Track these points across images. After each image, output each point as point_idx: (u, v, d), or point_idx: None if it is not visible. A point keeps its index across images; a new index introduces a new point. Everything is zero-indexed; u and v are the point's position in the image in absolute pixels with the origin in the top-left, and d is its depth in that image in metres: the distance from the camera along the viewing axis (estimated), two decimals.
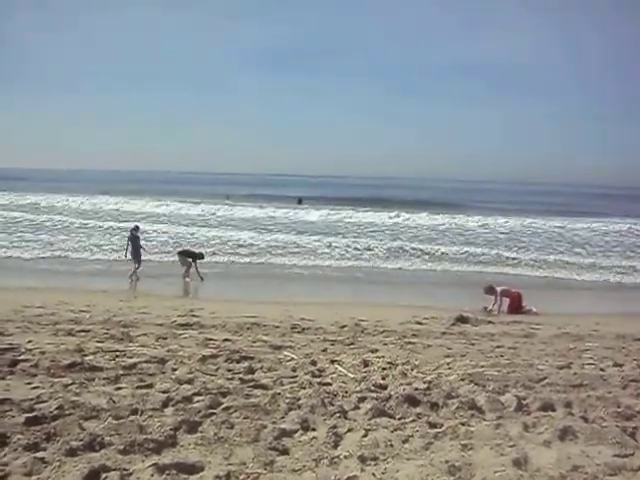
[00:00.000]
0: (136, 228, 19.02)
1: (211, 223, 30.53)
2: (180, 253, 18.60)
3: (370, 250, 23.72)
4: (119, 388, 5.73)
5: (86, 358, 6.73)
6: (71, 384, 5.72)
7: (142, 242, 18.85)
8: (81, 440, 4.27)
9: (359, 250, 23.66)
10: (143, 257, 18.36)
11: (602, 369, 7.52)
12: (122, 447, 4.22)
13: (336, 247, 23.79)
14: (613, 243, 27.08)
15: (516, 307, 14.12)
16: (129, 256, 18.03)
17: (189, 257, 18.09)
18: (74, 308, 10.95)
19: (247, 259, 21.58)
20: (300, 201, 47.69)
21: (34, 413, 4.78)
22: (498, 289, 14.46)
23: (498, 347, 9.00)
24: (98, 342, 7.83)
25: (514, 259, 22.96)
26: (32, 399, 5.18)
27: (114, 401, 5.22)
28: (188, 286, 17.08)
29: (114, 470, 3.86)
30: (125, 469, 3.90)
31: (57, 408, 4.90)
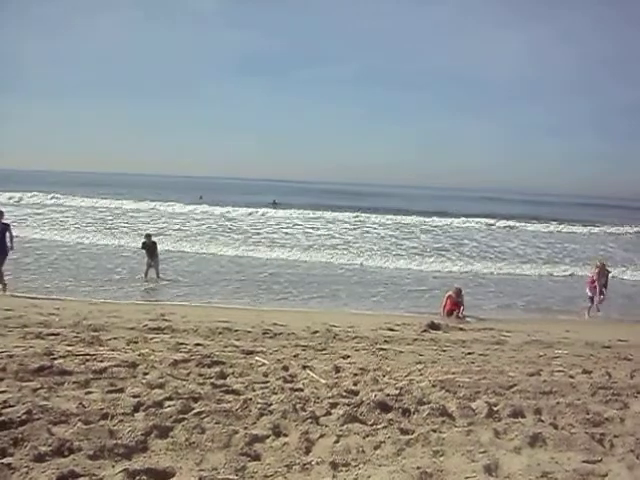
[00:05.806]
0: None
1: None
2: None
3: None
4: (89, 392, 5.62)
5: (55, 362, 6.61)
6: (40, 388, 5.59)
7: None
8: (49, 445, 4.18)
9: None
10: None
11: (571, 376, 7.62)
12: (92, 452, 4.14)
13: None
14: None
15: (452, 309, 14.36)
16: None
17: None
18: (43, 311, 10.80)
19: None
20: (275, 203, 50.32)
21: (1, 418, 4.65)
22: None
23: (469, 354, 9.08)
24: (68, 345, 7.71)
25: None
26: None
27: (84, 405, 5.13)
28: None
29: (83, 476, 3.80)
30: (95, 475, 3.84)
31: (25, 413, 4.77)
